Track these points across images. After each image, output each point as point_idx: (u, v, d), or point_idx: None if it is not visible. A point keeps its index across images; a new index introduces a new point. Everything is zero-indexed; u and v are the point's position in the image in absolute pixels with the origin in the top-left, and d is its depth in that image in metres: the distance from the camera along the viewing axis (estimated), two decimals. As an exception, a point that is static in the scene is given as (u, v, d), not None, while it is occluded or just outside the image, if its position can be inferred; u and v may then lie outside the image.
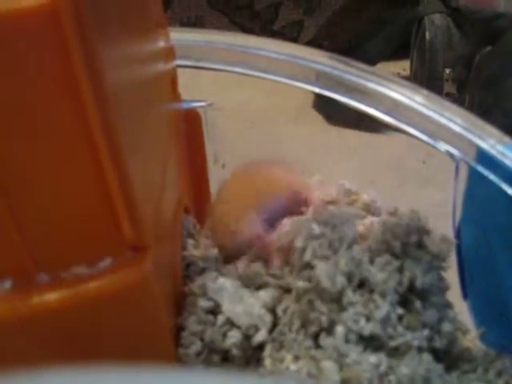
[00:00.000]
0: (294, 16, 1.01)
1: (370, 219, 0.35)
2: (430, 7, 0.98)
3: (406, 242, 0.31)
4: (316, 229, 0.32)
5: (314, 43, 0.98)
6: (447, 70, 0.97)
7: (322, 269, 0.30)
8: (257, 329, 0.30)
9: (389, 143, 0.80)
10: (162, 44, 0.33)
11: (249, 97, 0.83)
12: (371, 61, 0.95)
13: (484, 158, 0.32)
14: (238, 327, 0.30)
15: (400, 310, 0.31)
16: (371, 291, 0.31)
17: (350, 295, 0.30)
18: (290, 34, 1.01)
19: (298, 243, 0.31)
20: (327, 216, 0.32)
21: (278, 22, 1.03)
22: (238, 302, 0.31)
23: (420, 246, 0.32)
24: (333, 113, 0.90)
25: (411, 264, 0.31)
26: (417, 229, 0.31)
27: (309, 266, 0.31)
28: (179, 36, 0.36)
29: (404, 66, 1.09)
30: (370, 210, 0.37)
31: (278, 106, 0.90)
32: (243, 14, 1.04)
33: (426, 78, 0.97)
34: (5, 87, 0.20)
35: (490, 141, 0.32)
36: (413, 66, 1.04)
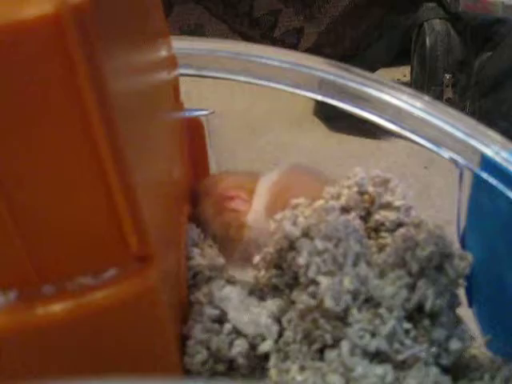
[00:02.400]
0: (293, 23, 1.01)
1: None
2: (429, 13, 0.98)
3: (426, 265, 0.31)
4: (319, 244, 0.31)
5: (314, 50, 0.98)
6: (447, 76, 0.97)
7: (326, 287, 0.29)
8: (263, 338, 0.30)
9: (390, 149, 0.80)
10: (164, 53, 0.33)
11: (249, 104, 0.83)
12: (371, 67, 0.95)
13: (488, 164, 0.31)
14: (245, 336, 0.30)
15: (407, 325, 0.30)
16: (377, 305, 0.30)
17: (355, 314, 0.30)
18: (290, 41, 1.01)
19: (301, 260, 0.30)
20: (330, 230, 0.31)
21: (277, 29, 1.03)
22: (245, 311, 0.31)
23: (439, 268, 0.31)
24: (334, 120, 0.90)
25: (425, 284, 0.30)
26: (440, 254, 0.31)
27: (314, 282, 0.30)
28: (181, 44, 0.36)
29: (404, 72, 1.09)
30: (400, 210, 0.36)
31: (279, 113, 0.91)
32: (243, 21, 1.04)
33: (426, 84, 0.97)
34: (9, 98, 0.20)
35: (494, 147, 0.31)
36: (413, 72, 1.03)
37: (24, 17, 0.19)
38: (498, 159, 0.31)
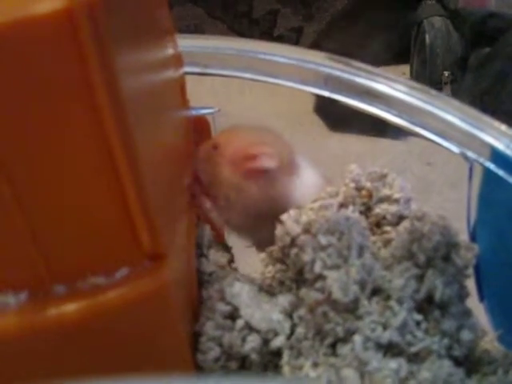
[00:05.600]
0: (292, 22, 1.01)
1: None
2: (429, 10, 0.98)
3: (433, 256, 0.31)
4: (322, 240, 0.31)
5: (313, 49, 0.98)
6: (446, 73, 0.97)
7: (333, 279, 0.30)
8: (275, 333, 0.30)
9: (392, 147, 0.80)
10: (171, 51, 0.33)
11: (249, 102, 0.83)
12: (371, 65, 0.94)
13: (499, 157, 0.31)
14: (257, 331, 0.30)
15: (418, 317, 0.30)
16: (387, 298, 0.30)
17: (366, 304, 0.30)
18: (290, 41, 1.01)
19: (306, 257, 0.31)
20: (332, 224, 0.31)
21: (276, 28, 1.03)
22: (257, 307, 0.31)
23: (446, 258, 0.31)
24: (334, 118, 0.90)
25: (433, 275, 0.31)
26: (446, 244, 0.31)
27: (321, 277, 0.30)
28: (186, 43, 0.36)
29: (404, 70, 1.09)
30: (399, 202, 0.36)
31: (279, 111, 0.90)
32: (242, 21, 1.04)
33: (426, 82, 0.97)
34: (20, 95, 0.20)
35: (505, 140, 0.31)
36: (413, 70, 1.03)
37: (35, 12, 0.19)
38: (509, 152, 0.31)
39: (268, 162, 0.34)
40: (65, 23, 0.19)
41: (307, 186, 0.36)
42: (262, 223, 0.35)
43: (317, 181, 0.37)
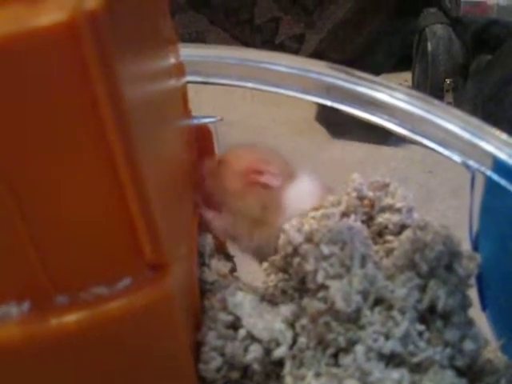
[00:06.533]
0: (294, 30, 1.01)
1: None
2: (430, 18, 0.98)
3: (435, 265, 0.31)
4: (324, 249, 0.31)
5: (315, 56, 0.99)
6: (448, 80, 0.97)
7: (335, 289, 0.30)
8: (277, 343, 0.30)
9: (393, 155, 0.80)
10: (173, 60, 0.33)
11: (252, 111, 0.83)
12: (373, 73, 0.95)
13: (501, 167, 0.31)
14: (259, 341, 0.30)
15: (420, 327, 0.30)
16: (389, 308, 0.30)
17: (368, 314, 0.30)
18: (291, 48, 1.01)
19: (308, 266, 0.31)
20: (334, 234, 0.31)
21: (278, 36, 1.03)
22: (259, 317, 0.31)
23: (448, 268, 0.31)
24: (336, 125, 0.90)
25: (436, 285, 0.31)
26: (448, 253, 0.31)
27: (323, 287, 0.30)
28: (189, 52, 0.36)
29: (405, 78, 1.09)
30: (401, 211, 0.36)
31: (281, 119, 0.91)
32: (244, 28, 1.04)
33: (428, 89, 0.97)
34: (24, 107, 0.20)
35: (507, 150, 0.31)
36: (415, 77, 1.03)
37: (39, 25, 0.19)
38: (511, 162, 0.31)
39: (272, 180, 0.37)
40: (68, 35, 0.19)
41: (300, 193, 0.37)
42: (257, 229, 0.36)
43: (311, 189, 0.37)
